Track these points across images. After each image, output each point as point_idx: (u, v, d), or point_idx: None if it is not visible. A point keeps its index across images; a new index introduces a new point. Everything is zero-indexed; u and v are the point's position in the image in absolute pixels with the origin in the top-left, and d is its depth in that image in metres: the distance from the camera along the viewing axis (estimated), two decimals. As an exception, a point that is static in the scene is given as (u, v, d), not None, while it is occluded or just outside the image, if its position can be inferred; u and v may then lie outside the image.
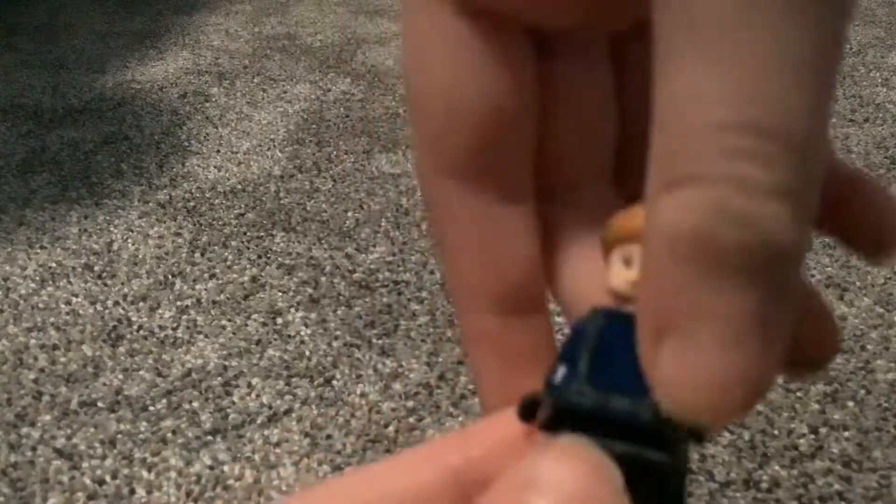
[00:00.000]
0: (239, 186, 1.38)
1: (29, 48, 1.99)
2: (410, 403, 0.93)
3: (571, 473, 0.14)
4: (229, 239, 1.23)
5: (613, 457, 0.15)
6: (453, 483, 0.15)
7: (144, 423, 0.91)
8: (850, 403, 0.91)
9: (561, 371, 0.16)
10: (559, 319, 0.20)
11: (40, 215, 1.30)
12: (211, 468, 0.85)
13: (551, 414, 0.16)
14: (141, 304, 1.10)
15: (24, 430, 0.91)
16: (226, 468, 0.85)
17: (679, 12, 0.10)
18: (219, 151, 1.49)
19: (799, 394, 0.93)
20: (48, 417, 0.92)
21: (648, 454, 0.15)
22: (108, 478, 0.84)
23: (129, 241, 1.23)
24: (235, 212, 1.30)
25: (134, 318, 1.07)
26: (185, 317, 1.07)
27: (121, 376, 0.97)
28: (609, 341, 0.16)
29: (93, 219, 1.29)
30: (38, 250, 1.22)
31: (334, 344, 1.02)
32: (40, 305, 1.10)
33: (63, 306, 1.10)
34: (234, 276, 1.15)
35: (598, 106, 0.16)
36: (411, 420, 0.90)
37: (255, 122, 1.60)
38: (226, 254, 1.20)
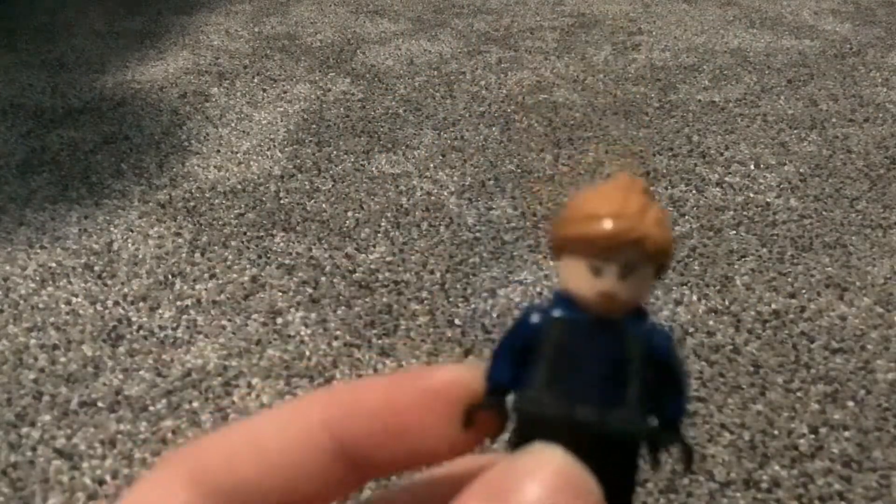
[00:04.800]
0: (239, 186, 1.38)
1: (29, 48, 1.99)
2: (410, 403, 0.93)
3: (546, 485, 0.13)
4: (229, 239, 1.23)
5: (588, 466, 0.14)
6: (327, 437, 0.15)
7: (144, 423, 0.91)
8: (850, 403, 0.91)
9: (507, 368, 0.15)
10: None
11: (40, 215, 1.30)
12: (211, 468, 0.85)
13: (509, 420, 0.15)
14: (141, 304, 1.10)
15: (24, 430, 0.91)
16: (226, 468, 0.85)
17: None
18: (219, 151, 1.49)
19: (799, 394, 0.93)
20: (48, 417, 0.92)
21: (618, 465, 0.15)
22: (108, 478, 0.84)
23: (129, 241, 1.23)
24: (235, 212, 1.30)
25: (134, 318, 1.07)
26: (185, 317, 1.07)
27: (121, 376, 0.97)
28: (567, 347, 0.15)
29: (93, 219, 1.29)
30: (38, 250, 1.22)
31: (334, 344, 1.02)
32: (40, 305, 1.10)
33: (63, 306, 1.10)
34: (234, 276, 1.15)
35: None
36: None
37: (255, 122, 1.60)
38: (226, 254, 1.20)
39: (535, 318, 0.15)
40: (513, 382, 0.15)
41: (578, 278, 0.15)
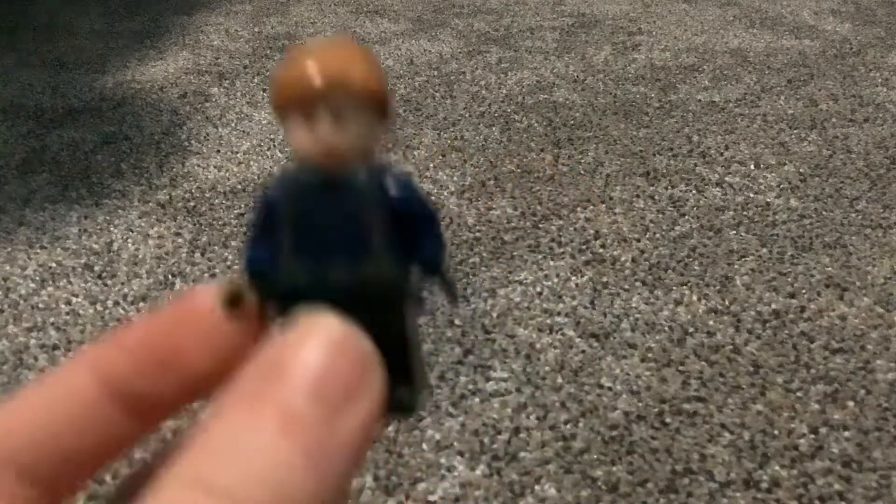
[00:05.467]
0: (239, 186, 1.38)
1: (29, 48, 1.99)
2: (410, 403, 0.92)
3: (319, 352, 0.13)
4: (229, 239, 1.23)
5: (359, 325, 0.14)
6: (99, 387, 0.14)
7: (144, 423, 0.91)
8: (850, 403, 0.91)
9: (260, 251, 0.15)
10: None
11: (40, 215, 1.30)
12: (211, 468, 0.85)
13: (269, 297, 0.15)
14: (141, 304, 1.10)
15: (24, 430, 0.91)
16: (226, 468, 0.85)
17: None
18: (219, 151, 1.49)
19: (799, 394, 0.93)
20: (48, 417, 0.92)
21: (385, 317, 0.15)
22: (108, 478, 0.84)
23: (129, 241, 1.23)
24: (235, 212, 1.30)
25: (134, 318, 1.07)
26: (185, 317, 1.07)
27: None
28: (306, 211, 0.15)
29: (93, 219, 1.29)
30: (38, 250, 1.22)
31: (334, 344, 1.02)
32: (40, 305, 1.10)
33: (63, 306, 1.10)
34: (234, 276, 1.15)
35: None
36: (411, 420, 0.90)
37: (255, 122, 1.60)
38: (226, 254, 1.20)
39: (269, 189, 0.15)
40: (269, 261, 0.15)
41: (299, 137, 0.15)
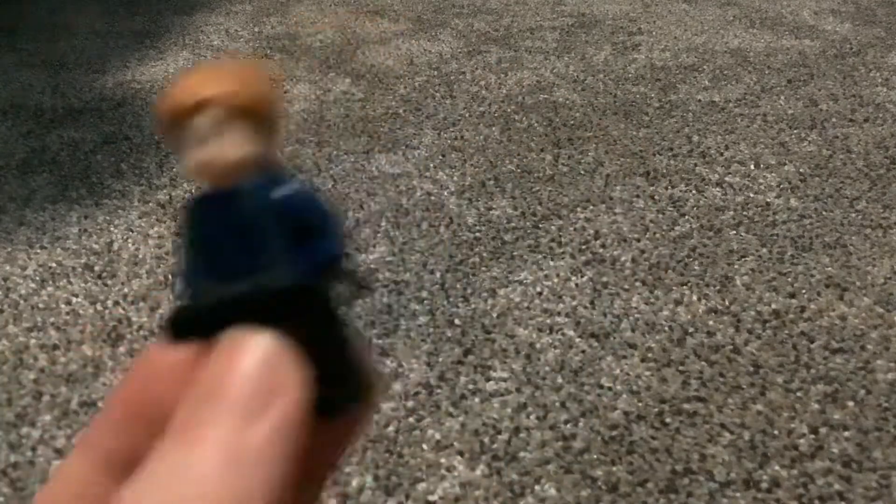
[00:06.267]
0: (239, 186, 1.38)
1: (29, 48, 1.99)
2: (410, 403, 0.93)
3: (250, 370, 0.13)
4: (229, 239, 1.23)
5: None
6: (103, 467, 0.15)
7: (144, 423, 0.91)
8: (850, 403, 0.91)
9: (179, 280, 0.15)
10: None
11: (40, 215, 1.30)
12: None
13: (190, 321, 0.15)
14: (141, 304, 1.09)
15: (24, 430, 0.90)
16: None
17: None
18: (219, 151, 1.49)
19: (799, 394, 0.93)
20: (48, 417, 0.92)
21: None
22: None
23: (129, 241, 1.23)
24: (235, 212, 1.30)
25: (134, 318, 1.07)
26: (185, 317, 1.07)
27: (121, 376, 0.97)
28: (200, 229, 0.15)
29: (93, 219, 1.29)
30: (38, 250, 1.22)
31: (334, 344, 1.02)
32: (40, 305, 1.10)
33: (63, 306, 1.10)
34: (234, 276, 1.15)
35: None
36: (411, 420, 0.90)
37: (255, 122, 1.60)
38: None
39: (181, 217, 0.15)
40: (183, 291, 0.15)
41: (184, 157, 0.15)
